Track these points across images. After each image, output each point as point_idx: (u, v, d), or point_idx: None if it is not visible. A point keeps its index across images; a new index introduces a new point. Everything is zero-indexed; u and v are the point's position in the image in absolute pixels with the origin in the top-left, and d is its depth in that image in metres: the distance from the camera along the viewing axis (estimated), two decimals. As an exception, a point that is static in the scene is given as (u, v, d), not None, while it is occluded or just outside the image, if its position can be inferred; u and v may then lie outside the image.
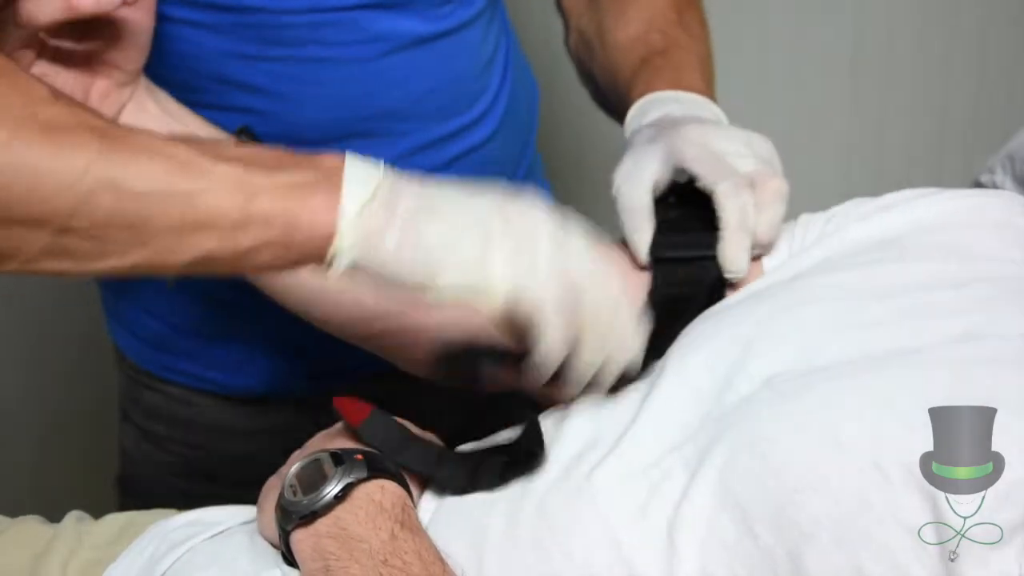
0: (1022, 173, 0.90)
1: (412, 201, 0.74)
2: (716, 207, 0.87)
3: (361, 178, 0.73)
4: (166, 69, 0.95)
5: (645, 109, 0.99)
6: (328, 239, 0.73)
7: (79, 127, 0.72)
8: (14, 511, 0.89)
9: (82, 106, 0.75)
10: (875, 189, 0.93)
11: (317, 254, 0.73)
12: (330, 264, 0.73)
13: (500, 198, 0.76)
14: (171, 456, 1.17)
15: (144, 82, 0.92)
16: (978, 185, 0.94)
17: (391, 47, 0.99)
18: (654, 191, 0.91)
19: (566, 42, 1.18)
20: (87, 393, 1.71)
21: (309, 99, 0.99)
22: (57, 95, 0.73)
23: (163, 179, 0.72)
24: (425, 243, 0.73)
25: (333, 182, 0.73)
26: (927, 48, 1.65)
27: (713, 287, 0.88)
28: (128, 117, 0.90)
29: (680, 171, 0.90)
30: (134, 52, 0.89)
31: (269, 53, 0.96)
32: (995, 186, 0.92)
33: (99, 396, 1.67)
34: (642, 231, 0.89)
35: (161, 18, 0.92)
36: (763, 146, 0.92)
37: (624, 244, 0.91)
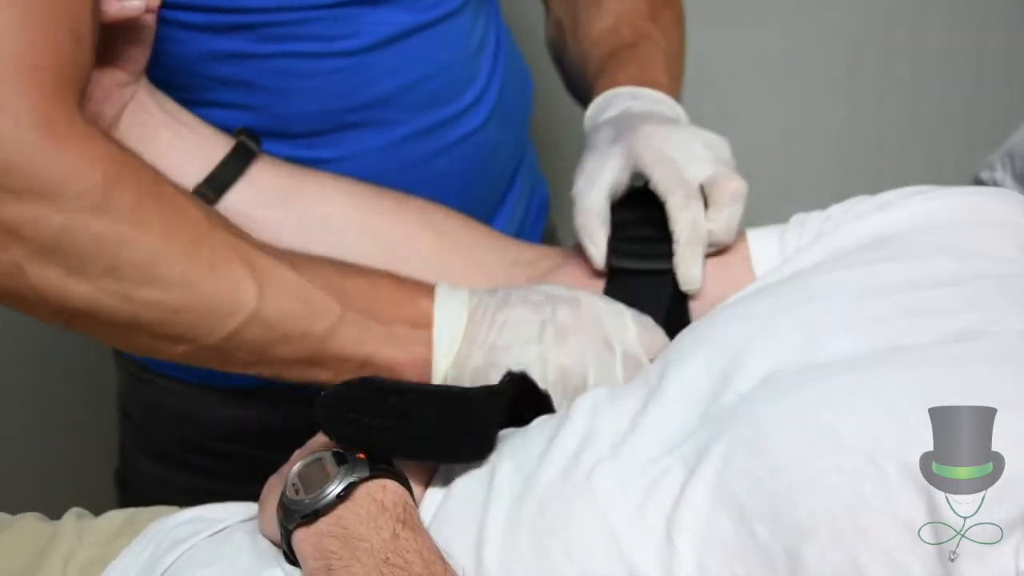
0: (1022, 170, 0.90)
1: (480, 357, 0.85)
2: (668, 220, 0.89)
3: (447, 331, 0.86)
4: (156, 68, 0.95)
5: (603, 105, 0.99)
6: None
7: (235, 259, 0.82)
8: (14, 509, 0.89)
9: (225, 227, 0.84)
10: (874, 187, 0.93)
11: None
12: None
13: (551, 335, 0.85)
14: (170, 452, 1.17)
15: (144, 83, 0.93)
16: (978, 182, 0.94)
17: (380, 38, 0.99)
18: (612, 194, 0.92)
19: (546, 30, 1.18)
20: (87, 391, 1.70)
21: (299, 92, 0.99)
22: (208, 217, 0.83)
23: (302, 321, 0.83)
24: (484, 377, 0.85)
25: (427, 339, 0.86)
26: (926, 45, 1.64)
27: (672, 299, 0.90)
28: (130, 117, 0.91)
29: (638, 175, 0.91)
30: (138, 52, 0.90)
31: (260, 50, 0.96)
32: (995, 183, 0.92)
33: (99, 394, 1.66)
34: (597, 239, 0.91)
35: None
36: (721, 146, 0.93)
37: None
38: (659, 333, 0.88)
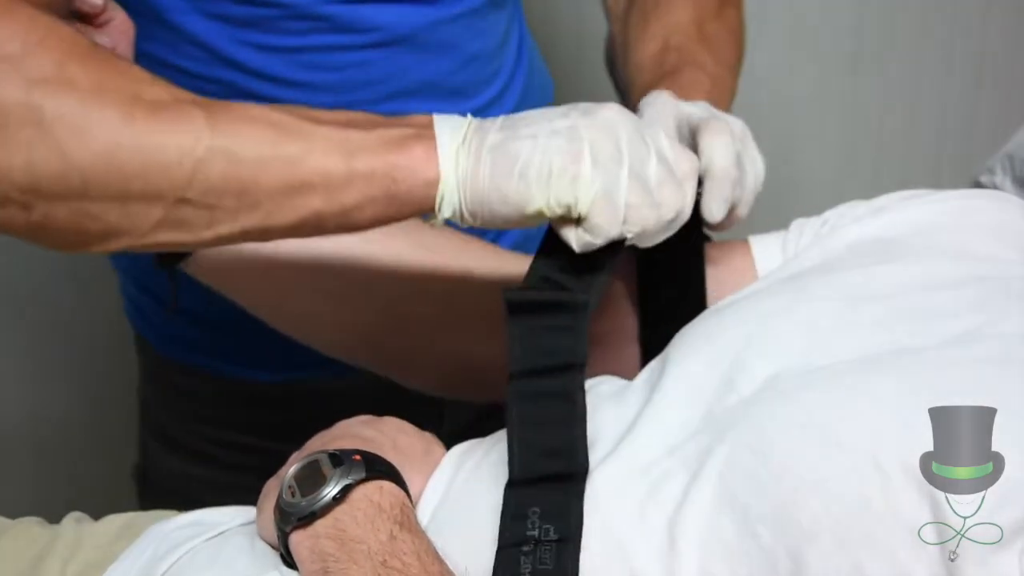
0: (1022, 173, 0.90)
1: (498, 135, 0.76)
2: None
3: (451, 127, 0.77)
4: (182, 59, 0.96)
5: None
6: (431, 185, 0.75)
7: (183, 102, 0.74)
8: (13, 512, 0.89)
9: (174, 85, 0.77)
10: (874, 188, 0.93)
11: (421, 203, 0.76)
12: (436, 210, 0.76)
13: (578, 113, 0.77)
14: (189, 445, 1.17)
15: None
16: (977, 185, 0.94)
17: (405, 32, 1.00)
18: None
19: (605, 44, 1.18)
20: (88, 394, 1.71)
21: (325, 85, 1.00)
22: (154, 76, 0.76)
23: (269, 143, 0.74)
24: (516, 170, 0.75)
25: (427, 134, 0.76)
26: (927, 47, 1.65)
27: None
28: None
29: None
30: None
31: (285, 43, 0.97)
32: (994, 186, 0.92)
33: (100, 397, 1.67)
34: None
35: (179, 10, 0.93)
36: (733, 120, 0.90)
37: None
38: (692, 157, 0.81)
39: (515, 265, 0.97)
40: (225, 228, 0.76)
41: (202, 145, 0.73)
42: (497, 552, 0.72)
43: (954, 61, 1.64)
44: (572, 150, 0.75)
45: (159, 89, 0.75)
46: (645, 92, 1.02)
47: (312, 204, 0.75)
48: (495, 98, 1.08)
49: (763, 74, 1.62)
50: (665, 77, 1.02)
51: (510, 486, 0.73)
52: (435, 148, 0.76)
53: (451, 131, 0.77)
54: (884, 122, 1.67)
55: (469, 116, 0.78)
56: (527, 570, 0.71)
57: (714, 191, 0.84)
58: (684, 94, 0.97)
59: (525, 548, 0.71)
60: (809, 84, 1.65)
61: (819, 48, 1.64)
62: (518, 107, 1.10)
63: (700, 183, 0.83)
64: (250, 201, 0.75)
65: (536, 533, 0.72)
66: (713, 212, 0.84)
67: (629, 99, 1.07)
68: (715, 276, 0.91)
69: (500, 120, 0.78)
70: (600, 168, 0.75)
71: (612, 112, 0.77)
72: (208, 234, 0.76)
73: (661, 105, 0.90)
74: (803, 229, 0.90)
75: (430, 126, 0.77)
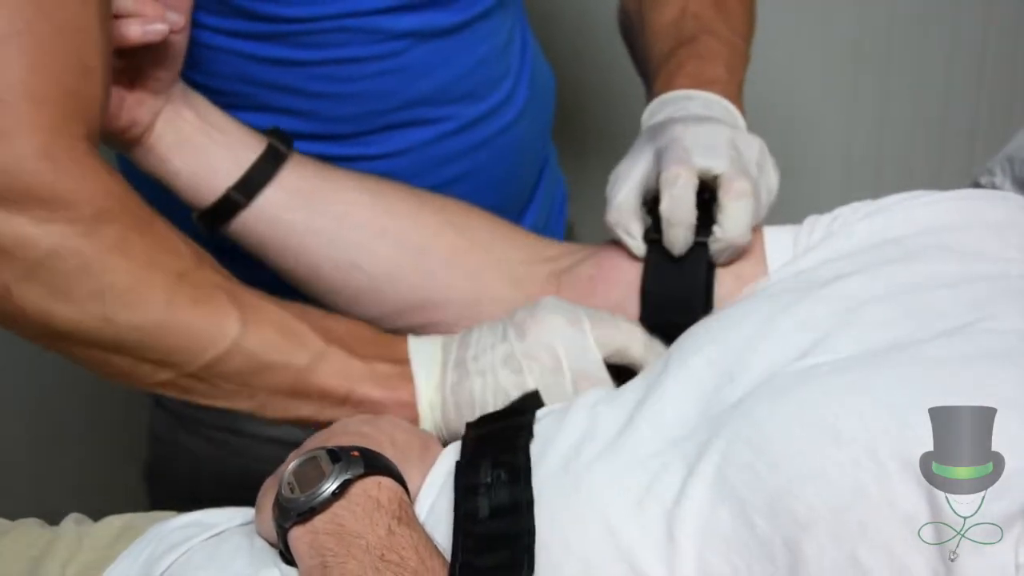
0: (1021, 175, 0.90)
1: (453, 374, 0.88)
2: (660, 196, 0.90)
3: (425, 368, 0.89)
4: (199, 74, 0.96)
5: (656, 110, 1.00)
6: (414, 423, 0.87)
7: (219, 292, 0.84)
8: (14, 513, 0.89)
9: (214, 268, 0.87)
10: (874, 189, 0.93)
11: None
12: None
13: (513, 333, 0.88)
14: (205, 441, 1.17)
15: (180, 87, 0.94)
16: (977, 186, 0.94)
17: (418, 41, 1.01)
18: (644, 192, 0.93)
19: (618, 14, 1.19)
20: (89, 394, 1.70)
21: (342, 96, 1.01)
22: (197, 256, 0.86)
23: (285, 353, 0.85)
24: (477, 410, 0.87)
25: (407, 374, 0.88)
26: (927, 48, 1.65)
27: (706, 273, 0.91)
28: (164, 123, 0.93)
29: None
30: (170, 61, 0.92)
31: (301, 57, 0.98)
32: (994, 188, 0.92)
33: (101, 397, 1.67)
34: (632, 230, 0.92)
35: (194, 25, 0.93)
36: (749, 145, 0.93)
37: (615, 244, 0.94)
38: (620, 325, 0.89)
39: (538, 246, 0.99)
40: (219, 403, 0.87)
41: (228, 341, 0.83)
42: None
43: (954, 61, 1.64)
44: (518, 383, 0.87)
45: (203, 274, 0.84)
46: (660, 63, 1.04)
47: (303, 411, 0.87)
48: (505, 99, 1.08)
49: (763, 74, 1.62)
50: (681, 46, 1.04)
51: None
52: (414, 394, 0.88)
53: (426, 375, 0.88)
54: (884, 122, 1.67)
55: (439, 354, 0.89)
56: None
57: (725, 254, 0.91)
58: (702, 63, 1.00)
59: None
60: (809, 84, 1.65)
61: (819, 48, 1.64)
62: (526, 107, 1.11)
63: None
64: (250, 393, 0.86)
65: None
66: (672, 245, 0.91)
67: (647, 67, 1.08)
68: (727, 269, 0.92)
69: (454, 350, 0.89)
70: (546, 386, 0.86)
71: (543, 326, 0.88)
72: (202, 400, 0.87)
73: (637, 154, 0.94)
74: (815, 225, 0.91)
75: (408, 364, 0.89)
